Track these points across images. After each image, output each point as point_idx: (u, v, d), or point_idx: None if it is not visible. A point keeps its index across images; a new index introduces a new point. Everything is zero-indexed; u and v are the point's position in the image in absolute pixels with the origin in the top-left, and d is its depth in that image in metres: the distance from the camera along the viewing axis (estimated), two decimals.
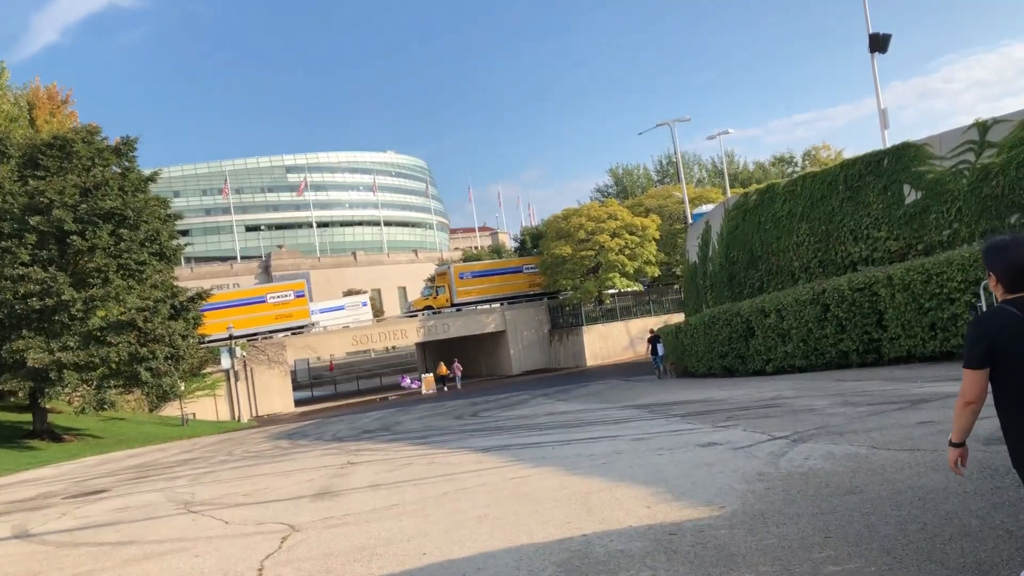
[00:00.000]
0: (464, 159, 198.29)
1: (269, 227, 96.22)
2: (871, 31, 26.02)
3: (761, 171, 69.25)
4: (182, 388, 32.66)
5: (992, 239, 3.34)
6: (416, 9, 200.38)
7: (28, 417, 28.29)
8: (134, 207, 26.48)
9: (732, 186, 54.21)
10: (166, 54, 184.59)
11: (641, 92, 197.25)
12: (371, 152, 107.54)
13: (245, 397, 43.23)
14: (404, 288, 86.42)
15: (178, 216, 30.62)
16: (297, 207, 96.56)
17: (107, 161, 27.50)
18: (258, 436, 25.36)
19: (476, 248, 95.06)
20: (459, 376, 46.94)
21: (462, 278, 51.57)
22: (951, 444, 3.46)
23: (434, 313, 50.76)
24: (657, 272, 49.63)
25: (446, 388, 45.21)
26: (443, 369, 47.39)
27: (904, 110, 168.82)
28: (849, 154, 48.69)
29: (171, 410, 38.21)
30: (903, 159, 18.76)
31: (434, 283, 53.01)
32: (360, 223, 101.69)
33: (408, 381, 50.15)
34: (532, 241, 62.21)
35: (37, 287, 23.97)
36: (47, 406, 27.62)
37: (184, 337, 26.86)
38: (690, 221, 38.70)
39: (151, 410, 39.24)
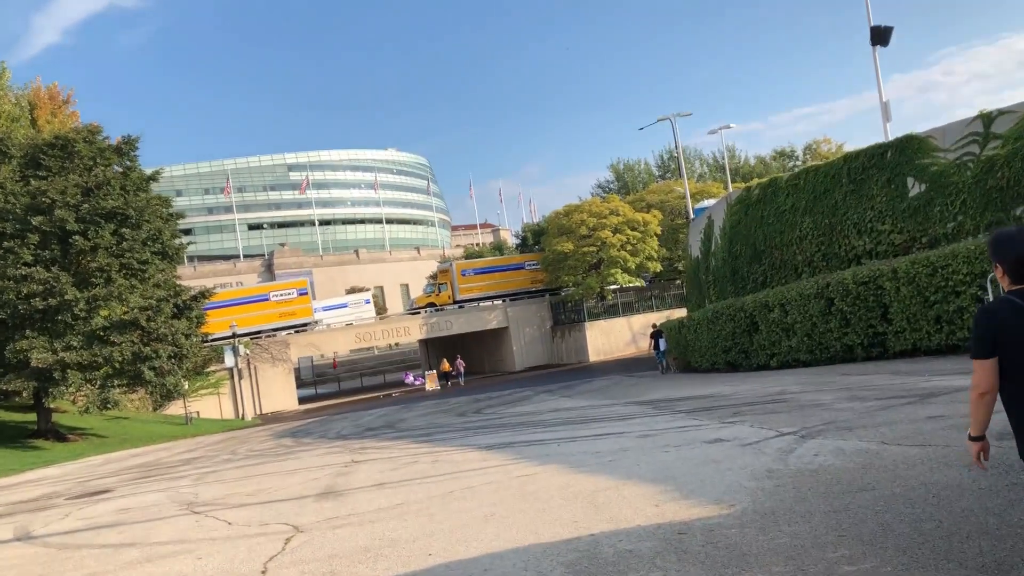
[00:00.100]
0: (465, 156, 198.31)
1: (271, 225, 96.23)
2: (872, 24, 25.85)
3: (762, 165, 69.03)
4: (186, 387, 32.61)
5: (998, 230, 3.34)
6: (417, 8, 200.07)
7: (33, 417, 28.28)
8: (136, 206, 26.43)
9: (733, 180, 54.04)
10: (167, 54, 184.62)
11: (641, 88, 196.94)
12: (372, 150, 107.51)
13: (249, 395, 43.22)
14: (406, 285, 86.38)
15: (180, 215, 30.58)
16: (299, 205, 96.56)
17: (108, 161, 27.45)
18: (262, 434, 25.33)
19: (478, 245, 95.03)
20: (462, 373, 46.92)
21: (464, 275, 51.52)
22: (970, 438, 3.42)
23: (437, 310, 50.72)
24: (659, 267, 49.53)
25: (449, 385, 45.18)
26: (446, 366, 47.36)
27: (904, 103, 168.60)
28: (850, 148, 48.56)
29: (175, 409, 38.20)
30: (907, 152, 18.62)
31: (436, 280, 52.95)
32: (362, 221, 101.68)
33: (412, 378, 50.14)
34: (534, 237, 62.14)
35: (40, 287, 23.94)
36: (51, 406, 27.62)
37: (187, 336, 26.83)
38: (692, 216, 38.55)
39: (155, 409, 39.24)
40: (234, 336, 41.48)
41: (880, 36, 25.81)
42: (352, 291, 68.67)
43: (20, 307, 24.00)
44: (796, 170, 26.24)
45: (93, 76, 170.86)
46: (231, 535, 7.48)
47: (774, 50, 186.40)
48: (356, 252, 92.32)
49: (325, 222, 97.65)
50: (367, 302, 55.61)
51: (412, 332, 51.51)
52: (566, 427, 13.19)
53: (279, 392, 44.70)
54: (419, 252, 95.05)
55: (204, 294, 29.44)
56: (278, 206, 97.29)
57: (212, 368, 41.94)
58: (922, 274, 14.90)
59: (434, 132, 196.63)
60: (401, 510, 7.48)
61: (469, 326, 50.49)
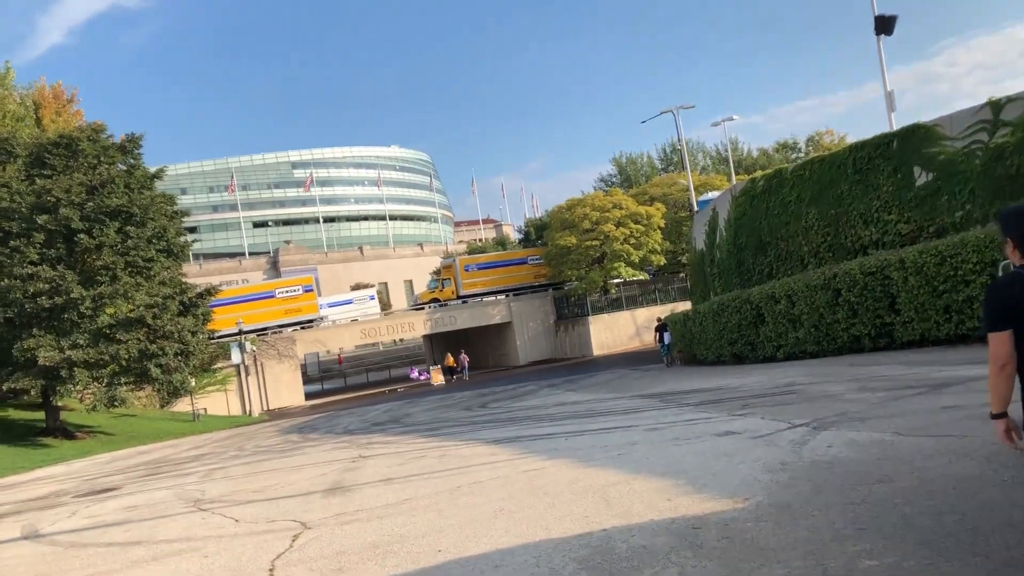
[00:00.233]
0: (467, 152, 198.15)
1: (276, 223, 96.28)
2: (876, 13, 25.61)
3: (765, 157, 68.75)
4: (192, 384, 32.67)
5: (1008, 206, 3.32)
6: (418, 6, 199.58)
7: (41, 415, 28.34)
8: (140, 204, 26.41)
9: (736, 173, 53.80)
10: (170, 53, 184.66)
11: (642, 82, 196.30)
12: (375, 147, 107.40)
13: (256, 391, 43.28)
14: (410, 281, 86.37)
15: (185, 213, 30.56)
16: (303, 203, 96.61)
17: (113, 159, 27.43)
18: (269, 430, 25.32)
19: (480, 240, 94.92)
20: (466, 368, 46.89)
21: (467, 270, 51.44)
22: (992, 416, 3.34)
23: (440, 305, 50.68)
24: (662, 261, 49.34)
25: (454, 379, 45.16)
26: (450, 360, 47.33)
27: (906, 94, 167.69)
28: (853, 139, 48.20)
29: (182, 406, 38.25)
30: (913, 141, 18.44)
31: (440, 276, 52.89)
32: (366, 218, 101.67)
33: (417, 373, 50.15)
34: (536, 232, 62.00)
35: (46, 286, 23.94)
36: (59, 404, 27.67)
37: (193, 333, 26.81)
38: (695, 208, 38.38)
39: (162, 406, 39.31)
40: (240, 333, 41.51)
41: (884, 25, 25.57)
42: (357, 287, 68.70)
43: (27, 306, 24.02)
44: (800, 161, 26.06)
45: (97, 75, 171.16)
46: (238, 532, 7.42)
47: (774, 43, 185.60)
48: (360, 249, 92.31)
49: (329, 219, 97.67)
50: (372, 298, 55.61)
51: (416, 327, 51.49)
52: (573, 421, 13.11)
53: (286, 388, 44.75)
54: (422, 248, 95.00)
55: (210, 291, 29.43)
56: (282, 203, 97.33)
57: (219, 365, 41.98)
58: (930, 264, 14.76)
59: (436, 129, 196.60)
60: (409, 505, 7.40)
61: (473, 321, 50.43)
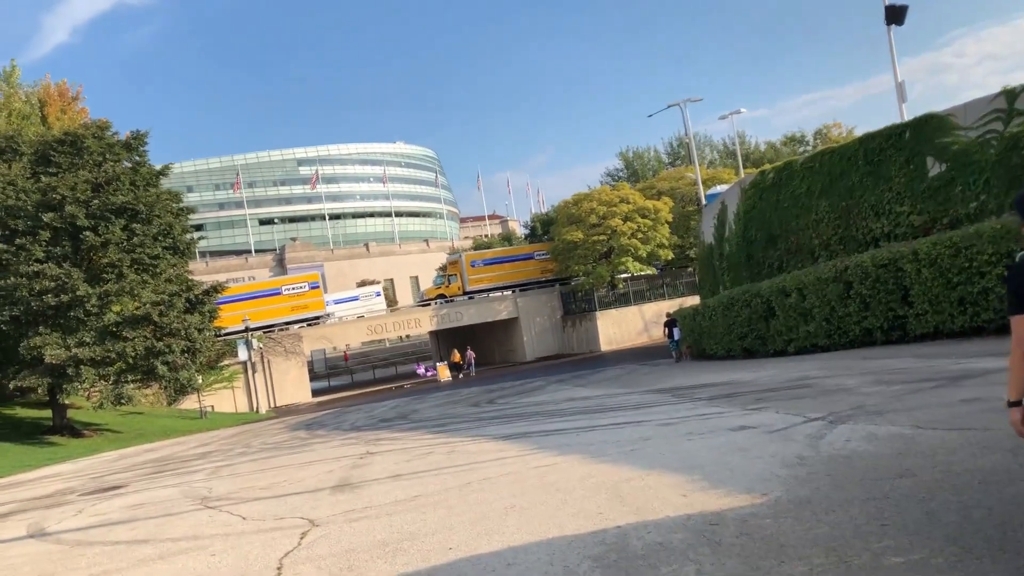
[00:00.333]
0: (472, 148, 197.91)
1: (282, 220, 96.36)
2: (887, 2, 25.32)
3: (772, 151, 68.34)
4: (199, 381, 32.64)
5: None
6: (424, 2, 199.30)
7: (48, 413, 28.37)
8: (146, 201, 26.38)
9: (744, 166, 53.51)
10: (176, 51, 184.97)
11: (647, 76, 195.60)
12: (380, 143, 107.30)
13: (263, 388, 43.30)
14: (416, 277, 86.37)
15: (191, 210, 30.51)
16: (309, 200, 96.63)
17: (118, 156, 27.40)
18: (276, 427, 25.27)
19: (486, 236, 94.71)
20: (472, 364, 46.80)
21: (474, 266, 51.31)
22: (1009, 404, 3.16)
23: (447, 301, 50.58)
24: (670, 255, 49.10)
25: (460, 376, 45.08)
26: (456, 357, 47.25)
27: (915, 86, 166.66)
28: (861, 132, 47.86)
29: (189, 403, 38.28)
30: (926, 131, 18.21)
31: (446, 272, 52.79)
32: (371, 214, 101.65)
33: (423, 369, 50.10)
34: (543, 227, 61.75)
35: (52, 283, 23.93)
36: (66, 402, 27.70)
37: (200, 330, 26.79)
38: (703, 202, 38.16)
39: (169, 404, 39.34)
40: (247, 330, 41.51)
41: (895, 15, 25.29)
42: (363, 284, 68.76)
43: (33, 304, 24.01)
44: (810, 153, 25.88)
45: (102, 74, 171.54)
46: (245, 530, 7.32)
47: (780, 36, 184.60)
48: (366, 245, 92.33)
49: (335, 216, 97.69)
50: (378, 295, 55.64)
51: (423, 324, 51.42)
52: (583, 416, 12.97)
53: (292, 385, 44.77)
54: (428, 244, 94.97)
55: (216, 288, 29.38)
56: (288, 201, 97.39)
57: (226, 362, 42.04)
58: (944, 255, 14.56)
59: (441, 125, 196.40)
60: (419, 502, 7.28)
61: (479, 317, 50.32)
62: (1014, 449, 5.39)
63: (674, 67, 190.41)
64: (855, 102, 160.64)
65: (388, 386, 46.84)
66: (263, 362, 43.63)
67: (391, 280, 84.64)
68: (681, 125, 67.75)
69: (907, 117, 22.06)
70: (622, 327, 48.08)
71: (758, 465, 6.49)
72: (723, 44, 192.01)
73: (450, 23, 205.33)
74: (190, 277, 29.31)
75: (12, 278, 23.99)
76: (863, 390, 9.84)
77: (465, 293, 50.67)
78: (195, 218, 32.37)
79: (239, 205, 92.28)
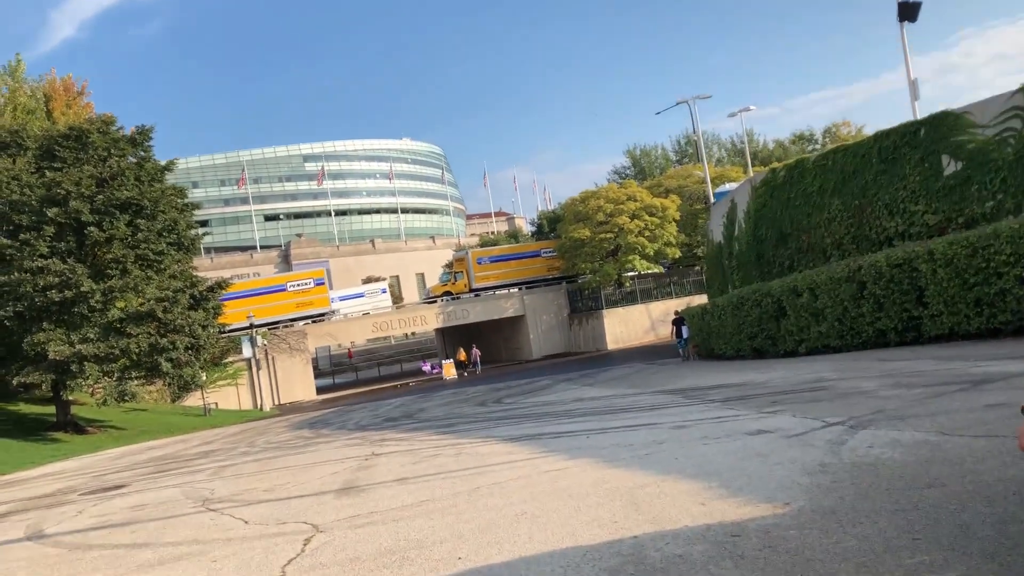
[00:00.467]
0: (478, 144, 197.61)
1: (288, 216, 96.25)
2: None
3: (781, 149, 67.96)
4: (203, 378, 32.55)
5: None
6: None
7: (51, 409, 28.29)
8: (151, 197, 26.23)
9: (752, 165, 53.15)
10: (182, 46, 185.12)
11: (655, 74, 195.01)
12: (387, 140, 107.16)
13: (267, 385, 43.18)
14: (422, 274, 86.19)
15: (196, 205, 30.35)
16: (315, 196, 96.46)
17: (123, 151, 27.24)
18: (280, 425, 25.11)
19: (493, 233, 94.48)
20: (478, 362, 46.59)
21: (480, 263, 51.11)
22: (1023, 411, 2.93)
23: (453, 299, 50.38)
24: (678, 253, 48.83)
25: (466, 374, 44.90)
26: (462, 355, 47.06)
27: (923, 85, 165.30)
28: (870, 131, 47.39)
29: (193, 400, 38.21)
30: (941, 129, 17.93)
31: (452, 269, 52.58)
32: (377, 211, 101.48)
33: (429, 367, 49.92)
34: (549, 225, 61.55)
35: (56, 279, 23.81)
36: (70, 398, 27.60)
37: (204, 327, 26.65)
38: (712, 200, 37.85)
39: (173, 400, 39.29)
40: (252, 327, 41.39)
41: (908, 11, 24.96)
42: (368, 281, 68.58)
43: (37, 299, 23.90)
44: (821, 151, 25.56)
45: (107, 69, 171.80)
46: (247, 535, 7.12)
47: (789, 34, 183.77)
48: (372, 242, 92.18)
49: (341, 212, 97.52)
50: (384, 291, 55.42)
51: (429, 321, 51.23)
52: (593, 418, 12.74)
53: (297, 382, 44.64)
54: (434, 241, 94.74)
55: (221, 285, 29.23)
56: (294, 197, 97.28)
57: (230, 359, 41.92)
58: (961, 255, 14.27)
59: (448, 121, 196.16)
60: (426, 507, 7.07)
61: (486, 314, 50.12)
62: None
63: (683, 64, 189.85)
64: (864, 100, 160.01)
65: (393, 384, 46.68)
66: (267, 359, 43.51)
67: (397, 277, 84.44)
68: (689, 123, 67.29)
69: (921, 115, 21.76)
70: (629, 326, 47.83)
71: (778, 472, 6.26)
72: (732, 41, 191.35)
73: (460, 18, 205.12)
74: (195, 273, 29.16)
75: (16, 273, 23.88)
76: (882, 393, 9.58)
77: (471, 290, 50.48)
78: (200, 214, 32.21)
79: (244, 201, 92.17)
